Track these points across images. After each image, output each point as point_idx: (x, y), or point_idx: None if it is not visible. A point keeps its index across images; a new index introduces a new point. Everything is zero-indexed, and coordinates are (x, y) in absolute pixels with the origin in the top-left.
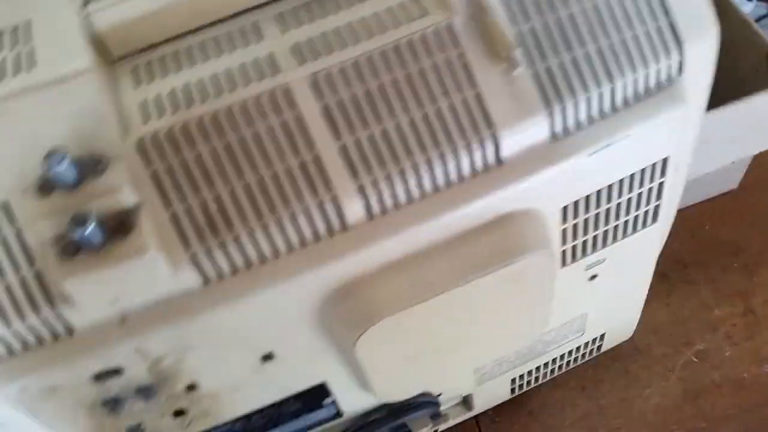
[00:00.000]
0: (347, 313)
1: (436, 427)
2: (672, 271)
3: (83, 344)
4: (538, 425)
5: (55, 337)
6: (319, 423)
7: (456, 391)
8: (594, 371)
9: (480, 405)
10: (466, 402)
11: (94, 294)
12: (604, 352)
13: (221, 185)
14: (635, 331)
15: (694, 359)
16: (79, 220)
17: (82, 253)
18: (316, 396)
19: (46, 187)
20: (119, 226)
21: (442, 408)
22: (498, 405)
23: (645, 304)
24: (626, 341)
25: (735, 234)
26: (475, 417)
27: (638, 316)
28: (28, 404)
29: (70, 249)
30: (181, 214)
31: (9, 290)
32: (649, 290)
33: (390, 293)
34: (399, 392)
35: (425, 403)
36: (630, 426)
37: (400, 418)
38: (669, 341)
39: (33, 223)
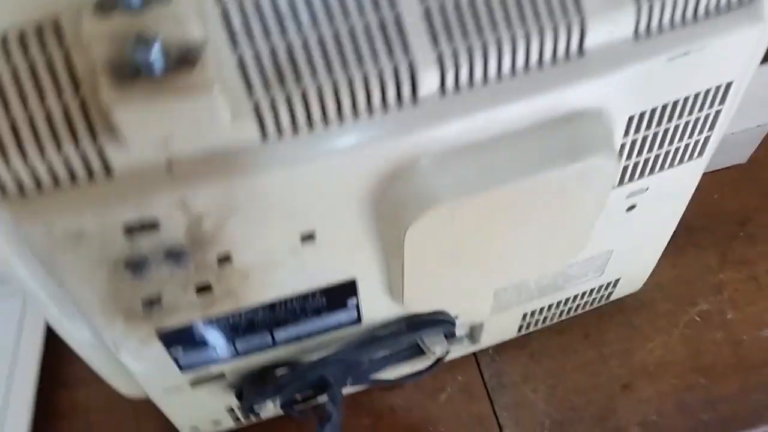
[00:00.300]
0: (405, 195)
1: (446, 351)
2: (680, 234)
3: (122, 188)
4: (539, 368)
5: (91, 175)
6: (338, 326)
7: (472, 316)
8: (598, 320)
9: (485, 340)
10: (472, 335)
11: (144, 128)
12: (610, 303)
13: (294, 34)
14: (641, 287)
15: (697, 318)
16: (143, 40)
17: (140, 80)
18: (342, 294)
19: (105, 5)
20: (182, 60)
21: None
22: (499, 345)
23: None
24: (632, 294)
25: (742, 205)
26: (475, 356)
27: (652, 267)
28: (48, 251)
29: (127, 73)
30: (249, 59)
31: (48, 116)
32: None
33: (454, 178)
34: (425, 301)
35: (443, 321)
36: (631, 375)
37: (418, 331)
38: (674, 299)
39: (87, 42)
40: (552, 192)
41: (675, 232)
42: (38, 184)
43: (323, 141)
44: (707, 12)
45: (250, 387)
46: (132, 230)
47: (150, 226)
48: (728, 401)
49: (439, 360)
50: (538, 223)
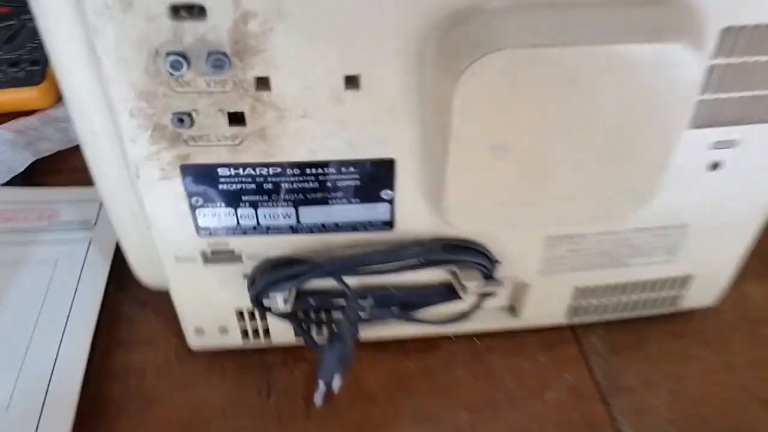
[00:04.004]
0: (464, 41)
1: (482, 294)
2: None
3: None
4: (658, 372)
5: None
6: (368, 226)
7: (516, 267)
8: (715, 327)
9: (528, 316)
10: (513, 306)
11: None
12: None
13: None
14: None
15: None
16: None
17: None
18: (378, 180)
19: None
20: None
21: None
22: (611, 344)
23: (742, 278)
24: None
25: None
26: (583, 354)
27: (733, 269)
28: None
29: None
30: None
31: None
32: (746, 266)
33: (522, 28)
34: (467, 215)
35: (481, 253)
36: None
37: (453, 256)
38: None
39: None
40: (624, 78)
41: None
42: None
43: None
44: None
45: (264, 273)
46: (178, 10)
47: (197, 10)
48: None
49: (475, 307)
50: (604, 128)
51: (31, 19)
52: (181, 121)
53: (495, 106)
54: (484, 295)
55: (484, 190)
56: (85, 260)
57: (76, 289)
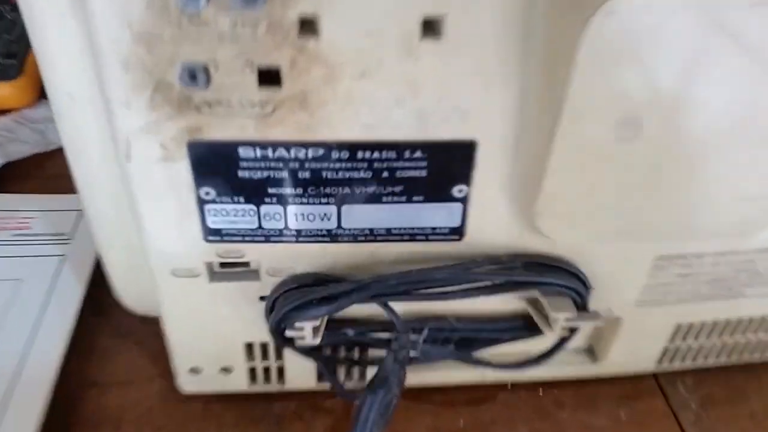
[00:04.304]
0: None
1: (571, 329)
2: None
3: None
4: None
5: None
6: (431, 233)
7: (611, 296)
8: None
9: (612, 361)
10: (593, 348)
11: None
12: None
13: None
14: None
15: None
16: None
17: None
18: (451, 172)
19: None
20: None
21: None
22: (702, 397)
23: None
24: None
25: None
26: (672, 409)
27: None
28: None
29: None
30: None
31: None
32: None
33: None
34: (572, 218)
35: (575, 276)
36: None
37: (538, 277)
38: None
39: None
40: None
41: None
42: None
43: None
44: None
45: (289, 294)
46: None
47: None
48: None
49: (562, 341)
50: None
51: (10, 10)
52: (192, 77)
53: (634, 62)
54: (573, 332)
55: (599, 186)
56: (56, 279)
57: (42, 315)
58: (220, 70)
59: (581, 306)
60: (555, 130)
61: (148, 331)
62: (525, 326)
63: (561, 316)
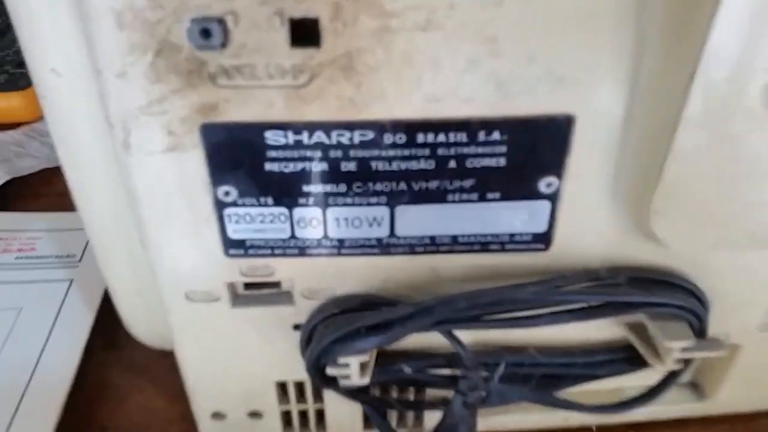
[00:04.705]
0: None
1: (692, 355)
2: None
3: None
4: None
5: None
6: (509, 240)
7: (729, 320)
8: None
9: (723, 398)
10: (702, 384)
11: None
12: None
13: None
14: None
15: None
16: None
17: None
18: (537, 161)
19: None
20: None
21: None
22: None
23: None
24: None
25: None
26: None
27: None
28: None
29: None
30: None
31: None
32: None
33: None
34: (698, 218)
35: (691, 293)
36: None
37: (646, 296)
38: None
39: None
40: None
41: None
42: None
43: None
44: None
45: (331, 322)
46: None
47: None
48: None
49: (671, 375)
50: None
51: None
52: (206, 34)
53: None
54: (687, 363)
55: (740, 173)
56: (61, 307)
57: (45, 345)
58: (240, 24)
59: (699, 332)
60: (686, 93)
61: (167, 366)
62: (626, 359)
63: (676, 345)
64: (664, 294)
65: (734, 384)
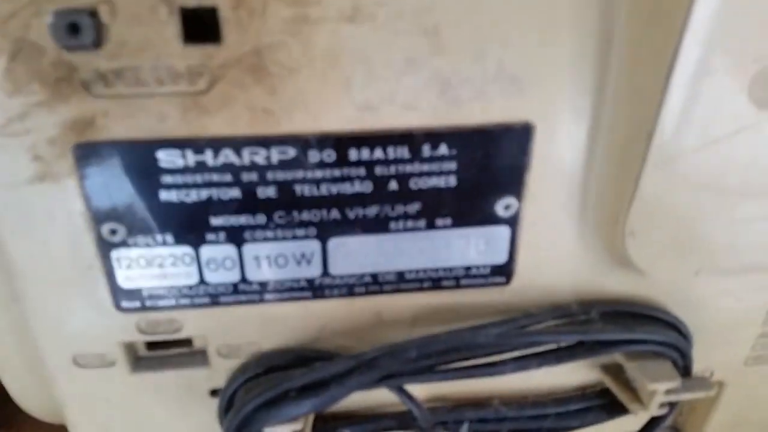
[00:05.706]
0: None
1: (678, 397)
2: None
3: None
4: None
5: None
6: (464, 275)
7: (713, 355)
8: None
9: None
10: (676, 430)
11: None
12: None
13: None
14: None
15: None
16: None
17: None
18: (493, 180)
19: None
20: None
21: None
22: None
23: None
24: None
25: None
26: None
27: None
28: None
29: None
30: None
31: None
32: None
33: None
34: (658, 249)
35: (672, 327)
36: None
37: (623, 332)
38: None
39: None
40: None
41: None
42: None
43: None
44: None
45: (254, 384)
46: None
47: None
48: None
49: (654, 421)
50: None
51: None
52: (74, 30)
53: None
54: (673, 407)
55: (726, 187)
56: None
57: None
58: (118, 16)
59: (683, 370)
60: (666, 84)
61: None
62: (602, 405)
63: (660, 387)
64: (643, 329)
65: (720, 423)
